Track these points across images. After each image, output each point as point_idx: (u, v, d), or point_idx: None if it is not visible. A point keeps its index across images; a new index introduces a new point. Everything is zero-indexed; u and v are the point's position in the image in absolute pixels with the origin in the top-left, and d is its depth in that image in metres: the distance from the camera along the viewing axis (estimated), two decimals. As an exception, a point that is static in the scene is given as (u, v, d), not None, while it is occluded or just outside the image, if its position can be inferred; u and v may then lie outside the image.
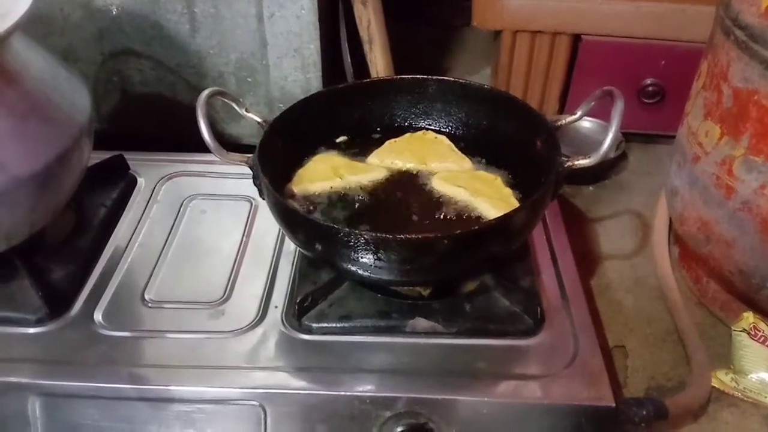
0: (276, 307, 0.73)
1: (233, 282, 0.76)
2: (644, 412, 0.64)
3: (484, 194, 0.74)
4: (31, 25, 0.66)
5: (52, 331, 0.70)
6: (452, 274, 0.71)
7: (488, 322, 0.70)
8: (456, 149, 0.82)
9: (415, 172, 0.80)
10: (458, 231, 0.64)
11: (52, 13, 0.92)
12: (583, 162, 0.69)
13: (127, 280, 0.76)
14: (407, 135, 0.85)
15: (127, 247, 0.80)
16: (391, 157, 0.82)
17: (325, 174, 0.79)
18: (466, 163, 0.81)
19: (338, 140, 0.84)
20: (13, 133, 0.64)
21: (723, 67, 0.72)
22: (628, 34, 1.03)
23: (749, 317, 0.78)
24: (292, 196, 0.77)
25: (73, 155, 0.70)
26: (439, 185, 0.77)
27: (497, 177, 0.78)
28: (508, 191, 0.76)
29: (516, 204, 0.74)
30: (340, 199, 0.77)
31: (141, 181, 0.90)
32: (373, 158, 0.82)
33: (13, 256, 0.72)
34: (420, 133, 0.85)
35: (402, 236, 0.62)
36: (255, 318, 0.71)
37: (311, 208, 0.75)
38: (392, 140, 0.84)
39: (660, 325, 0.84)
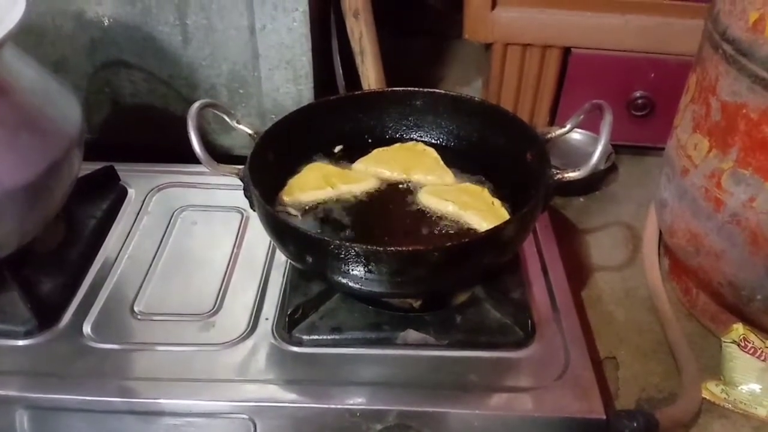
0: (266, 319, 0.72)
1: (224, 294, 0.75)
2: (635, 425, 0.65)
3: (472, 207, 0.75)
4: (23, 36, 0.65)
5: (41, 344, 0.69)
6: (443, 286, 0.71)
7: (479, 334, 0.70)
8: (442, 163, 0.82)
9: (404, 184, 0.81)
10: (449, 243, 0.64)
11: (43, 24, 0.92)
12: (572, 174, 0.69)
13: (117, 292, 0.75)
14: (396, 145, 0.85)
15: (116, 258, 0.80)
16: (376, 165, 0.82)
17: (316, 183, 0.79)
18: (448, 177, 0.81)
19: (336, 150, 0.85)
20: (4, 144, 0.64)
21: (711, 80, 0.72)
22: (618, 47, 1.04)
23: (739, 329, 0.78)
24: (284, 206, 0.77)
25: (64, 166, 0.70)
26: (426, 199, 0.77)
27: (484, 189, 0.78)
28: (498, 202, 0.76)
29: (506, 215, 0.74)
30: (331, 210, 0.77)
31: (131, 192, 0.90)
32: (359, 165, 0.83)
33: (2, 267, 0.72)
34: (410, 143, 0.86)
35: (392, 248, 0.62)
36: (245, 330, 0.71)
37: (302, 219, 0.75)
38: (380, 149, 0.85)
39: (650, 336, 0.85)
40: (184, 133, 0.68)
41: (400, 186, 0.80)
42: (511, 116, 0.80)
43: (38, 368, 0.67)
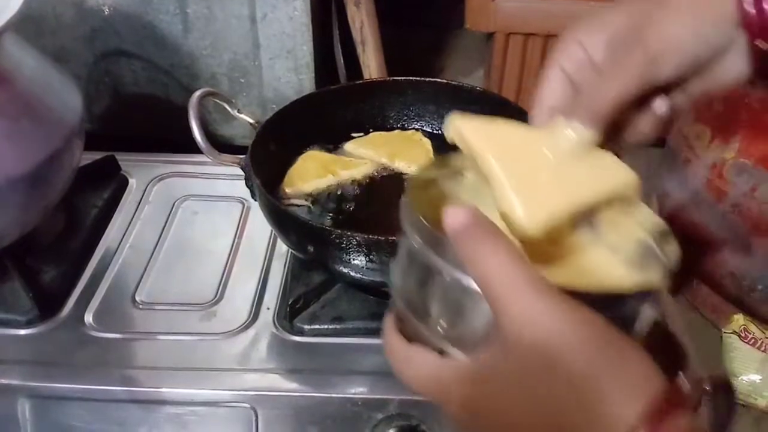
0: (268, 308, 0.72)
1: (225, 284, 0.75)
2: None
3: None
4: (23, 25, 0.65)
5: (43, 333, 0.69)
6: (444, 276, 0.71)
7: (480, 324, 0.70)
8: (431, 156, 0.82)
9: (400, 173, 0.81)
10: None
11: (44, 12, 0.91)
12: (575, 165, 0.69)
13: (118, 282, 0.75)
14: (396, 132, 0.86)
15: (118, 248, 0.80)
16: (366, 147, 0.83)
17: (316, 172, 0.79)
18: None
19: (337, 139, 0.85)
20: (4, 133, 0.64)
21: (714, 70, 0.72)
22: (620, 37, 1.04)
23: (739, 319, 0.78)
24: (285, 196, 0.77)
25: (64, 156, 0.70)
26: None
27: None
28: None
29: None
30: (332, 199, 0.77)
31: (132, 182, 0.90)
32: (350, 145, 0.83)
33: (3, 257, 0.72)
34: (410, 132, 0.86)
35: (394, 238, 0.62)
36: (247, 320, 0.71)
37: (305, 208, 0.75)
38: (378, 133, 0.85)
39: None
40: (185, 122, 0.68)
41: (399, 176, 0.80)
42: (513, 106, 0.80)
43: (40, 357, 0.67)
